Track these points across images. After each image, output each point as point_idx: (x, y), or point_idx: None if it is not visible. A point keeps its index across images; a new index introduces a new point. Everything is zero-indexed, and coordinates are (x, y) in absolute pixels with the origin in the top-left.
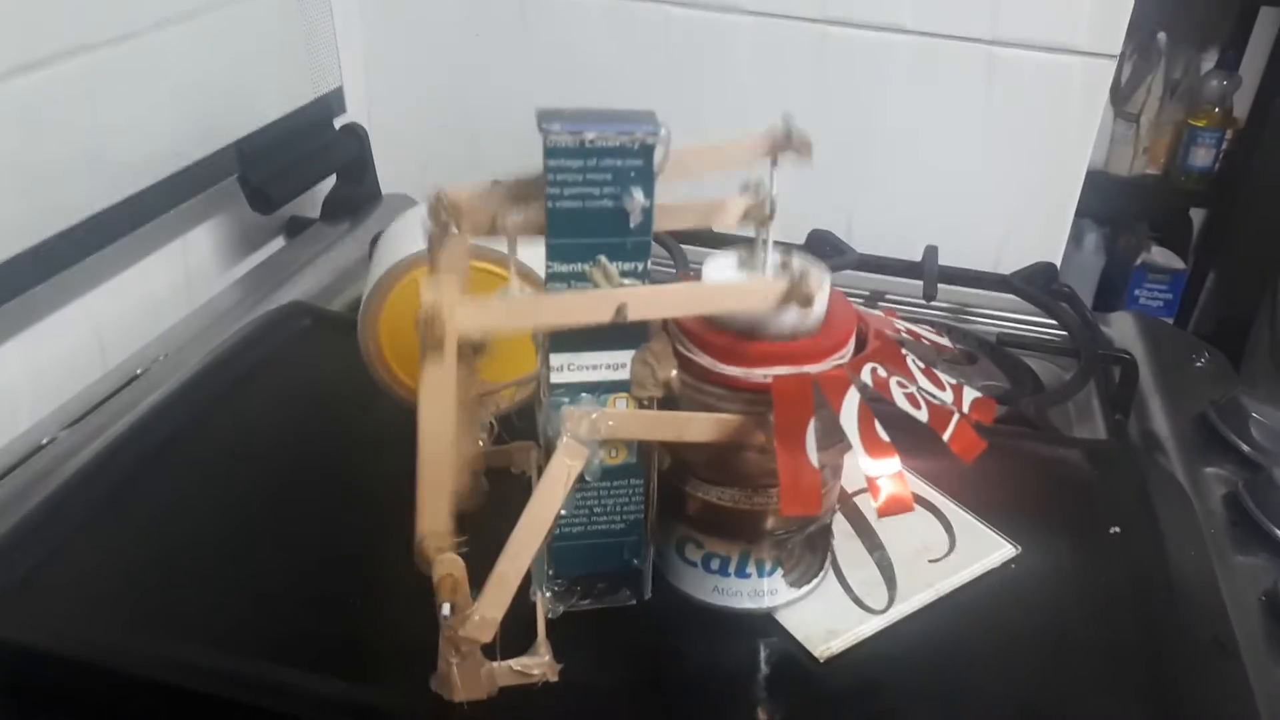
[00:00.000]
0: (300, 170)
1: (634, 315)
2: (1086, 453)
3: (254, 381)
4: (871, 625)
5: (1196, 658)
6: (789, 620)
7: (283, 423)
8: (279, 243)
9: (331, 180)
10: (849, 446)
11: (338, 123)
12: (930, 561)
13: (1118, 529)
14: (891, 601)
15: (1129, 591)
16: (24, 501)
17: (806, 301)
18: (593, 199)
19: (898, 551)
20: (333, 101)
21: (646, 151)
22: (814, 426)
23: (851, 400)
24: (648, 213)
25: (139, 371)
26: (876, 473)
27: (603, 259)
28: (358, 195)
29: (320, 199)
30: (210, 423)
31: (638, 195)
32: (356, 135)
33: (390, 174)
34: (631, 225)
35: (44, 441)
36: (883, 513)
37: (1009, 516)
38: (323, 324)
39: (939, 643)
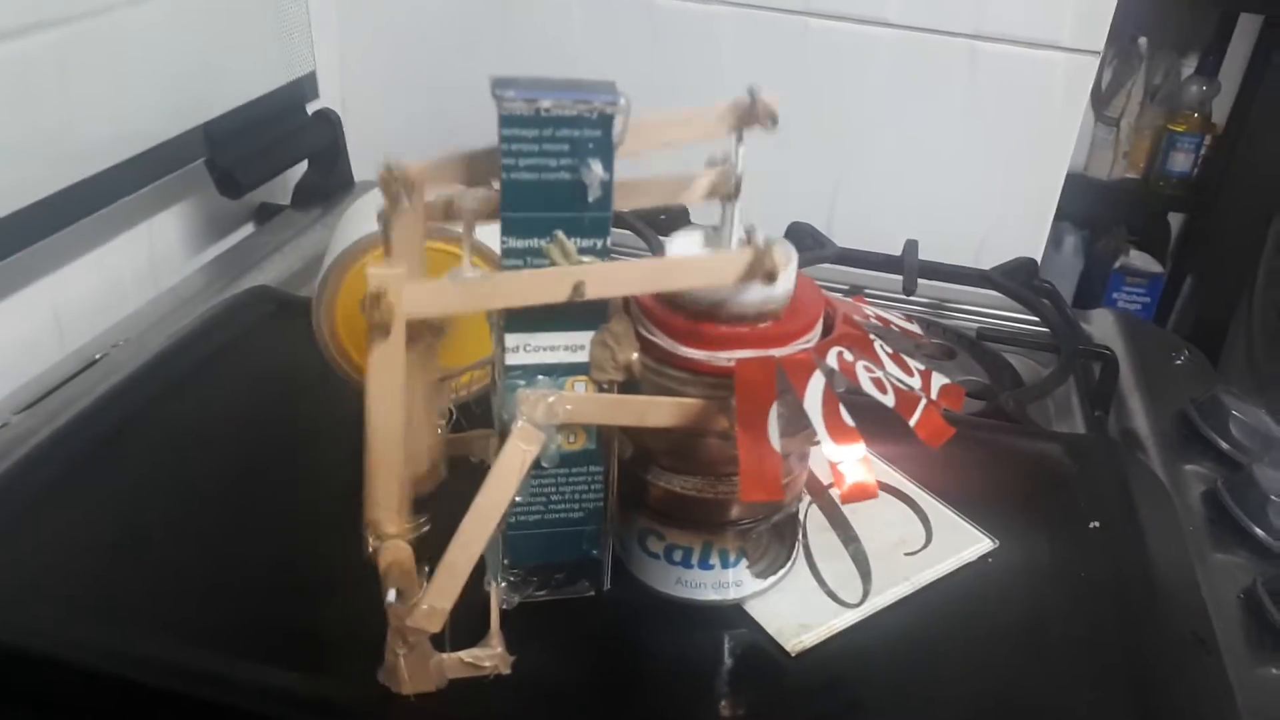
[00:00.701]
0: (271, 155)
1: (592, 293)
2: (1066, 447)
3: (215, 366)
4: (845, 618)
5: (1176, 653)
6: (760, 613)
7: (242, 409)
8: (248, 229)
9: (303, 167)
10: (815, 435)
11: (310, 108)
12: (906, 554)
13: (1097, 524)
14: (866, 594)
15: (1108, 587)
16: None
17: (770, 277)
18: (549, 171)
19: (873, 544)
20: (306, 86)
21: (605, 122)
22: (777, 412)
23: (816, 384)
24: (607, 186)
25: (98, 356)
26: (840, 458)
27: (560, 234)
28: (330, 182)
29: (291, 186)
30: (168, 408)
31: (596, 168)
32: (329, 121)
33: (363, 162)
34: (590, 199)
35: None
36: (846, 499)
37: (987, 510)
38: (287, 309)
39: (914, 636)
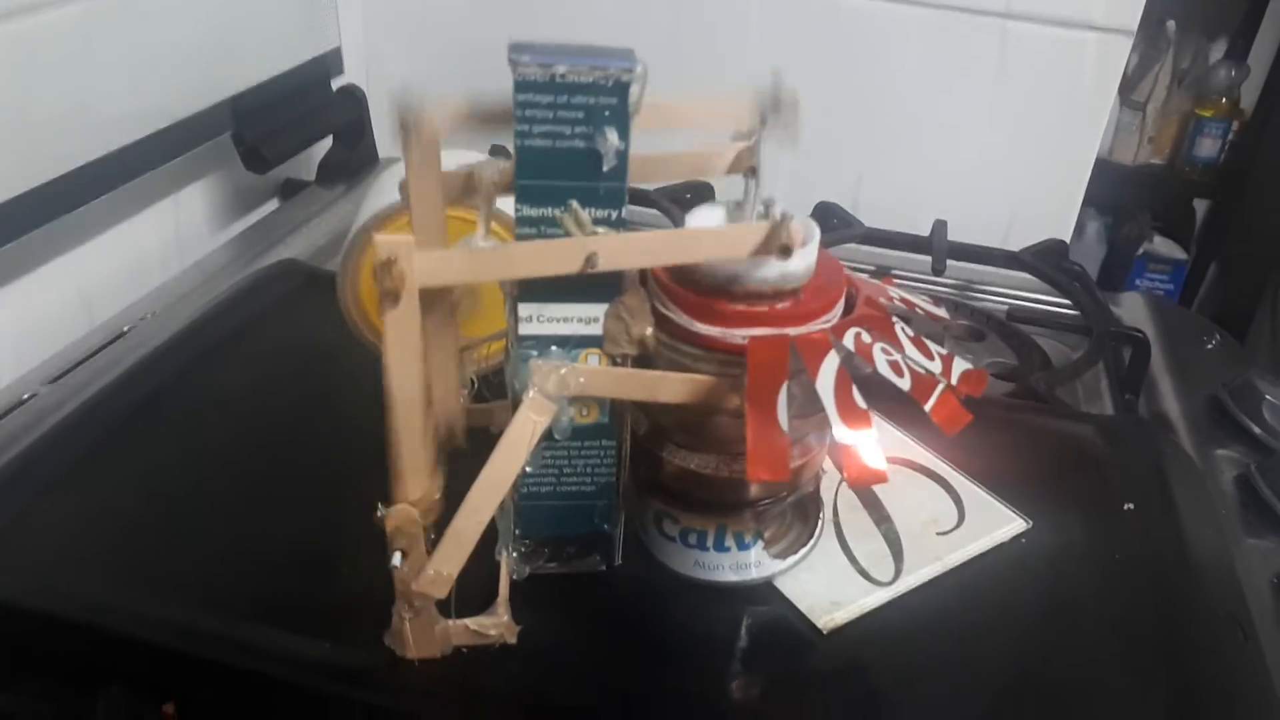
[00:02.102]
0: (296, 130)
1: (605, 265)
2: (1100, 428)
3: (243, 339)
4: (877, 597)
5: (1211, 636)
6: (791, 590)
7: (270, 381)
8: (273, 204)
9: (328, 143)
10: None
11: (335, 84)
12: (939, 534)
13: (1131, 505)
14: (898, 574)
15: (1142, 568)
16: (2, 456)
17: (785, 252)
18: (564, 138)
19: (905, 524)
20: (330, 62)
21: (621, 89)
22: (791, 392)
23: (830, 365)
24: (622, 156)
25: (125, 329)
26: (850, 441)
27: (574, 204)
28: (354, 158)
29: (316, 161)
30: (196, 379)
31: (611, 136)
32: (354, 97)
33: (388, 137)
34: (605, 169)
35: (25, 397)
36: (853, 484)
37: (1020, 490)
38: (314, 283)
39: (946, 616)
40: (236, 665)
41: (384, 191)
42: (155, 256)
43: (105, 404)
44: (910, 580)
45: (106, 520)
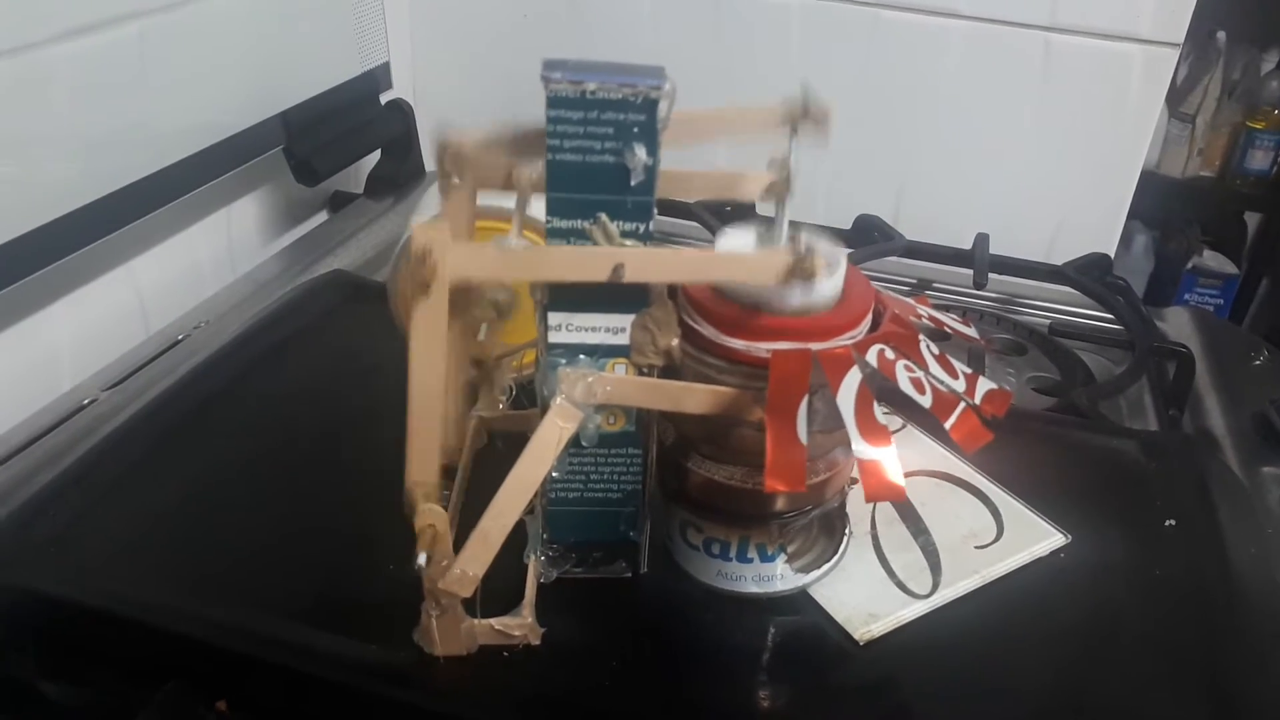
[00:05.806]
0: (346, 144)
1: (631, 277)
2: (1142, 444)
3: (293, 347)
4: (914, 610)
5: (1254, 656)
6: (828, 601)
7: (320, 389)
8: (322, 216)
9: (376, 156)
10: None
11: (384, 98)
12: (977, 548)
13: (1173, 522)
14: (936, 586)
15: (1184, 586)
16: (63, 459)
17: (809, 279)
18: (593, 153)
19: (943, 537)
20: (379, 76)
21: (650, 106)
22: (813, 405)
23: (851, 380)
24: (650, 171)
25: (180, 337)
26: (868, 457)
27: (603, 217)
28: (402, 172)
29: (364, 174)
30: (248, 387)
31: (639, 152)
32: (402, 111)
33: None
34: (633, 183)
35: (85, 402)
36: (870, 498)
37: (1060, 505)
38: (362, 293)
39: (984, 630)
40: (284, 664)
41: (434, 201)
42: (209, 267)
43: (161, 410)
44: (948, 593)
45: (162, 522)
